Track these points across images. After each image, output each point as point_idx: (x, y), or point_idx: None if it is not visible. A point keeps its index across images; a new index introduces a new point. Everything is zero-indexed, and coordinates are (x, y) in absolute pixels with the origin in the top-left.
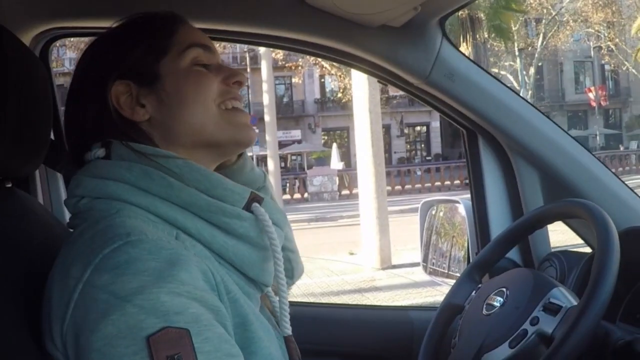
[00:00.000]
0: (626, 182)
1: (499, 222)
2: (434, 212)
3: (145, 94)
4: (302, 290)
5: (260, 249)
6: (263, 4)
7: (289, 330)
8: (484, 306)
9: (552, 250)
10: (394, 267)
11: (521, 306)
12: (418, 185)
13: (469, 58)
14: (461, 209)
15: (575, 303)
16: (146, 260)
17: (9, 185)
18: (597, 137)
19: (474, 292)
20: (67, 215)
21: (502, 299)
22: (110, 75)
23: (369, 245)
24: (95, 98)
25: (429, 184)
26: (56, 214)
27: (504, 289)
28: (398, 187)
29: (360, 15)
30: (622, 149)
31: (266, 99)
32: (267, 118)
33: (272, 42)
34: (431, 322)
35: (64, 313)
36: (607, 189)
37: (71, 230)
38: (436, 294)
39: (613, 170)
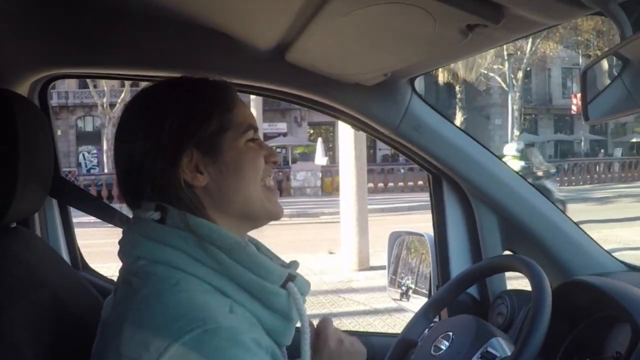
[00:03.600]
0: (608, 191)
1: (459, 261)
2: (401, 242)
3: (206, 163)
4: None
5: (289, 321)
6: (247, 59)
7: None
8: (432, 347)
9: (506, 289)
10: (372, 268)
11: (462, 352)
12: (401, 184)
13: (436, 110)
14: (426, 243)
15: (509, 354)
16: (224, 351)
17: (14, 225)
18: (582, 143)
19: (427, 330)
20: (62, 244)
21: (448, 343)
22: (186, 144)
23: (348, 246)
24: (164, 158)
25: (412, 183)
26: (52, 243)
27: (451, 333)
28: (381, 185)
29: (336, 75)
30: (600, 156)
31: None
32: (253, 111)
33: (255, 92)
34: (388, 354)
35: None
36: (564, 236)
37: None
38: (414, 301)
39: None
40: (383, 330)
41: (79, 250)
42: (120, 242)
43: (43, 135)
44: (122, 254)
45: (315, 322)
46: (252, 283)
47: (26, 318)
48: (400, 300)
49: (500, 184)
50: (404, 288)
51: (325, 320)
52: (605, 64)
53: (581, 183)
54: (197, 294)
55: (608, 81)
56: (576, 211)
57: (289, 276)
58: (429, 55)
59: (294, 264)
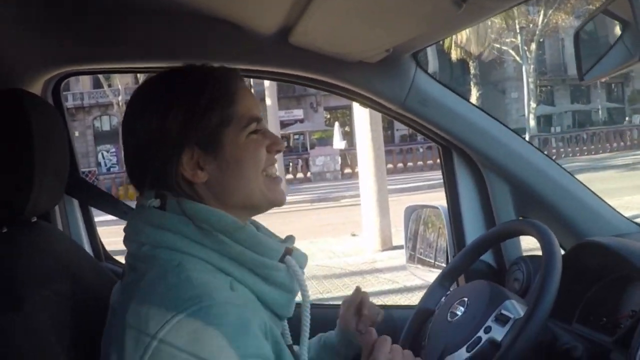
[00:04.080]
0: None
1: (473, 230)
2: (417, 216)
3: (207, 160)
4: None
5: (290, 292)
6: (251, 45)
7: (305, 358)
8: (449, 313)
9: (522, 255)
10: (395, 248)
11: (478, 316)
12: (420, 163)
13: (442, 83)
14: (441, 215)
15: (522, 315)
16: (224, 325)
17: (34, 219)
18: (600, 111)
19: (443, 298)
20: (84, 237)
21: (463, 308)
22: (187, 141)
23: (370, 228)
24: (166, 153)
25: (431, 161)
26: (74, 237)
27: (466, 299)
28: (400, 165)
29: (339, 54)
30: (626, 122)
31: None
32: (268, 101)
33: (261, 76)
34: (407, 324)
35: (141, 355)
36: (576, 200)
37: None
38: (432, 275)
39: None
40: None
41: (101, 242)
42: (124, 230)
43: (57, 132)
44: (126, 241)
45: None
46: (253, 261)
47: (48, 306)
48: (421, 274)
49: (509, 152)
50: (423, 263)
51: (384, 339)
52: (594, 24)
53: (601, 152)
54: (198, 273)
55: (599, 40)
56: (596, 179)
57: (287, 250)
58: (427, 29)
59: (290, 239)
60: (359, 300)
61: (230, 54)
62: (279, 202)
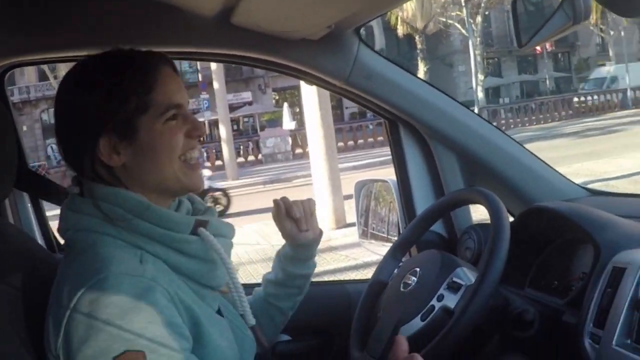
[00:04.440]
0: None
1: (423, 201)
2: (367, 191)
3: (123, 146)
4: (261, 256)
5: (208, 262)
6: (194, 27)
7: (252, 321)
8: (402, 284)
9: (472, 224)
10: (349, 225)
11: (430, 285)
12: (371, 140)
13: (386, 58)
14: (391, 189)
15: (473, 281)
16: (118, 293)
17: None
18: (547, 81)
19: (396, 270)
20: (36, 230)
21: (415, 278)
22: (102, 128)
23: (323, 206)
24: (83, 141)
25: (382, 138)
26: (26, 230)
27: (417, 269)
28: (351, 143)
29: (282, 32)
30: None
31: (214, 64)
32: (215, 85)
33: (204, 57)
34: (361, 298)
35: (57, 333)
36: (524, 167)
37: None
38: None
39: (564, 113)
40: None
41: (54, 234)
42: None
43: (3, 126)
44: (58, 230)
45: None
46: (162, 236)
47: (2, 299)
48: (375, 249)
49: (456, 123)
50: (376, 238)
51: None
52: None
53: (550, 121)
54: (107, 248)
55: (533, 7)
56: (546, 148)
57: (199, 223)
58: (368, 2)
59: (208, 211)
60: (283, 210)
61: (173, 38)
62: (194, 188)
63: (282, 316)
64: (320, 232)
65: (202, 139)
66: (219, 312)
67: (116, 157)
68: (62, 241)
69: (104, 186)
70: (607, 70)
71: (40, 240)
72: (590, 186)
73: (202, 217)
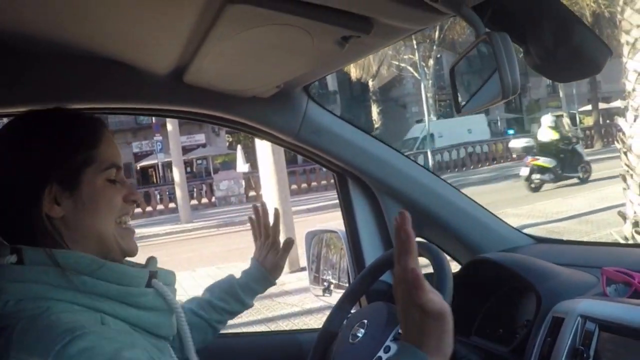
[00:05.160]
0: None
1: (371, 253)
2: (318, 240)
3: (64, 197)
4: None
5: (163, 312)
6: (146, 85)
7: None
8: (350, 335)
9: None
10: (303, 269)
11: (377, 336)
12: (324, 182)
13: (333, 114)
14: (341, 238)
15: None
16: (95, 348)
17: None
18: (499, 122)
19: (345, 321)
20: None
21: (363, 330)
22: (48, 178)
23: None
24: (28, 193)
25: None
26: None
27: (365, 321)
28: (304, 186)
29: (232, 91)
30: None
31: None
32: (169, 127)
33: (158, 114)
34: (312, 348)
35: None
36: (470, 217)
37: None
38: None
39: (515, 154)
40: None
41: None
42: None
43: None
44: None
45: None
46: (119, 293)
47: None
48: (324, 296)
49: (402, 176)
50: (326, 284)
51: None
52: (468, 61)
53: (502, 161)
54: (67, 314)
55: (471, 76)
56: (499, 190)
57: (151, 274)
58: (315, 65)
59: (152, 260)
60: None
61: (124, 94)
62: (131, 252)
63: (213, 334)
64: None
65: (137, 204)
66: None
67: (57, 208)
68: None
69: (51, 249)
70: (422, 128)
71: None
72: (541, 227)
73: (151, 267)
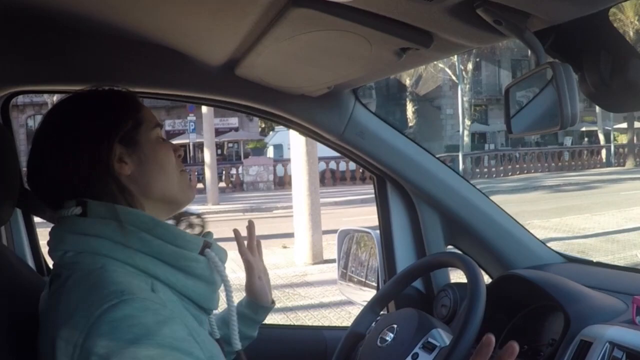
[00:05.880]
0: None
1: (404, 257)
2: (350, 238)
3: (128, 154)
4: (235, 284)
5: (212, 284)
6: (199, 74)
7: (238, 345)
8: (379, 339)
9: (450, 282)
10: (326, 261)
11: (406, 343)
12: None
13: (379, 116)
14: (373, 239)
15: (447, 343)
16: (138, 317)
17: None
18: None
19: (374, 323)
20: (28, 252)
21: (392, 334)
22: (110, 139)
23: (301, 241)
24: (89, 156)
25: (365, 174)
26: (18, 252)
27: (395, 326)
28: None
29: (283, 88)
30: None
31: None
32: (204, 109)
33: (207, 103)
34: (337, 348)
35: (71, 357)
36: (503, 231)
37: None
38: (362, 293)
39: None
40: (337, 323)
41: (44, 257)
42: (48, 243)
43: (8, 149)
44: (51, 252)
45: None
46: (173, 253)
47: None
48: (350, 293)
49: (440, 183)
50: (354, 281)
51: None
52: (525, 84)
53: (533, 171)
54: (119, 274)
55: (527, 100)
56: (527, 200)
57: (206, 243)
58: (368, 71)
59: (208, 233)
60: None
61: (176, 82)
62: (190, 199)
63: None
64: (273, 303)
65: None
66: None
67: (125, 166)
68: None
69: (114, 204)
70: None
71: (30, 261)
72: (567, 242)
73: (206, 237)
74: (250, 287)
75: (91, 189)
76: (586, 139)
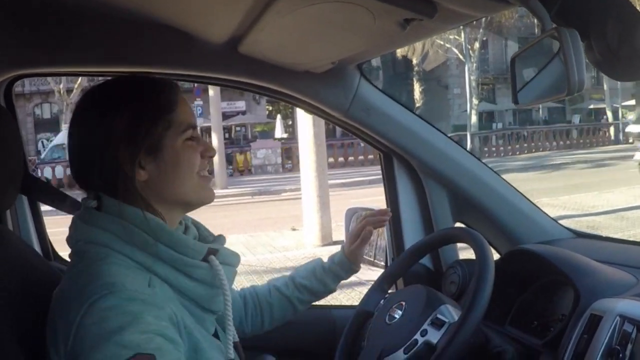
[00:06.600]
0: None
1: (411, 234)
2: (358, 217)
3: (148, 161)
4: (245, 269)
5: (212, 287)
6: (201, 53)
7: (232, 355)
8: (387, 316)
9: (458, 259)
10: (335, 243)
11: (415, 319)
12: (361, 157)
13: (385, 93)
14: None
15: (456, 319)
16: (123, 306)
17: None
18: (540, 110)
19: (382, 301)
20: (34, 237)
21: (401, 312)
22: (139, 149)
23: (310, 222)
24: (109, 156)
25: (372, 156)
26: (24, 237)
27: (403, 303)
28: (341, 159)
29: (287, 64)
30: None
31: None
32: (211, 92)
33: (211, 82)
34: (347, 326)
35: (67, 340)
36: (511, 206)
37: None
38: (371, 273)
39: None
40: (347, 303)
41: (50, 242)
42: (69, 229)
43: (11, 134)
44: (68, 239)
45: None
46: (174, 258)
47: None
48: (360, 273)
49: (447, 159)
50: (364, 261)
51: None
52: (532, 52)
53: (541, 149)
54: (119, 267)
55: (534, 68)
56: (536, 179)
57: (211, 251)
58: (372, 45)
59: (219, 238)
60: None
61: (179, 61)
62: (209, 200)
63: (293, 312)
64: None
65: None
66: (215, 335)
67: (142, 172)
68: (57, 249)
69: (128, 206)
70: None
71: (37, 247)
72: (576, 219)
73: (213, 245)
74: (355, 251)
75: (107, 186)
76: (594, 117)
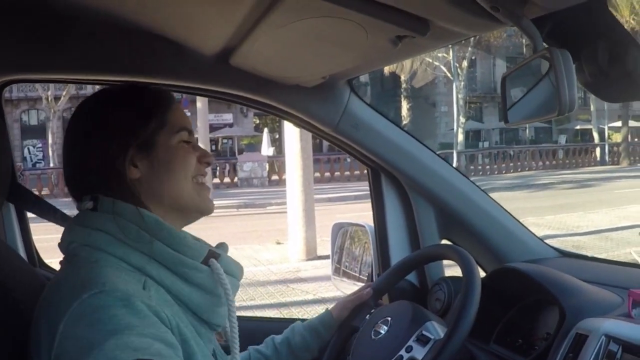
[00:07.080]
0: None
1: (398, 250)
2: (344, 232)
3: (140, 158)
4: (247, 280)
5: (213, 296)
6: (192, 64)
7: None
8: (373, 331)
9: (444, 275)
10: (319, 257)
11: (400, 335)
12: (347, 173)
13: (374, 108)
14: (367, 233)
15: (442, 336)
16: (126, 307)
17: None
18: (527, 130)
19: (368, 315)
20: (19, 243)
21: (386, 327)
22: (125, 142)
23: (295, 237)
24: (101, 154)
25: (358, 172)
26: (9, 242)
27: (389, 319)
28: (327, 175)
29: (277, 77)
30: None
31: None
32: (198, 104)
33: (201, 93)
34: (332, 340)
35: (51, 345)
36: (498, 224)
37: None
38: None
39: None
40: None
41: (36, 248)
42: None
43: (0, 140)
44: (60, 244)
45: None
46: (171, 258)
47: None
48: (345, 288)
49: (435, 176)
50: (348, 276)
51: None
52: (522, 72)
53: (527, 169)
54: (112, 269)
55: (522, 88)
56: (521, 198)
57: (211, 253)
58: (364, 61)
59: (222, 245)
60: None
61: (170, 71)
62: (206, 209)
63: None
64: None
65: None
66: (214, 355)
67: (134, 170)
68: (42, 256)
69: (123, 202)
70: None
71: (22, 253)
72: (561, 239)
73: (215, 248)
74: (347, 308)
75: (103, 185)
76: (580, 137)
